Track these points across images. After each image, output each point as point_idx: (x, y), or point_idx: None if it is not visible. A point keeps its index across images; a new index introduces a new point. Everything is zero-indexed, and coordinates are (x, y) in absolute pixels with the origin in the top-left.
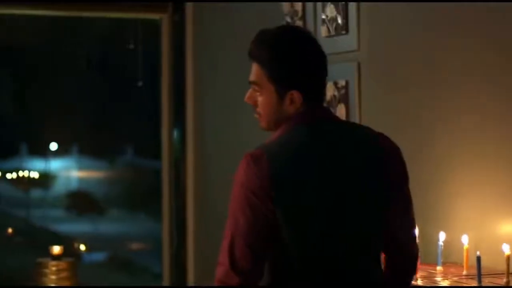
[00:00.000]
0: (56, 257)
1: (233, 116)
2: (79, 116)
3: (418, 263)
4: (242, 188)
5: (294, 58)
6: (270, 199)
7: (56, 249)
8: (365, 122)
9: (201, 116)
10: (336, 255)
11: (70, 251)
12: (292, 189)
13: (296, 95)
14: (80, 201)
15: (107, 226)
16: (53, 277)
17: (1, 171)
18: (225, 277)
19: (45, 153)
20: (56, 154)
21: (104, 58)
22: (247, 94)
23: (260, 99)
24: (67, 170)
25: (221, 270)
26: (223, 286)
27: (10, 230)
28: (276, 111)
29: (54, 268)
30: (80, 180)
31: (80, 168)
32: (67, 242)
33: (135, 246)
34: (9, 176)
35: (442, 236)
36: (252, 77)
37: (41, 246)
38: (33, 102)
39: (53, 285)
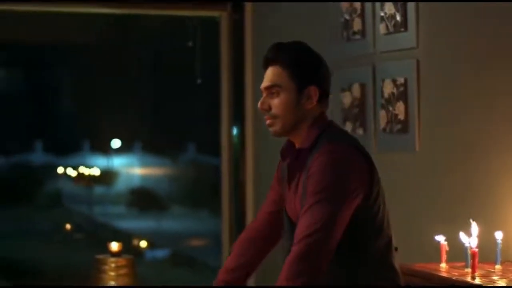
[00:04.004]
0: (116, 254)
1: None
2: (141, 114)
3: (476, 261)
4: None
5: (313, 57)
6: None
7: (114, 246)
8: (424, 120)
9: (260, 113)
10: None
11: (131, 248)
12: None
13: (313, 90)
14: (142, 198)
15: (169, 223)
16: (112, 273)
17: (64, 168)
18: None
19: (107, 150)
20: (118, 151)
21: (164, 56)
22: (261, 100)
23: (277, 100)
24: (129, 167)
25: None
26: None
27: (69, 226)
28: (294, 109)
29: (113, 265)
30: (142, 177)
31: (142, 165)
32: (129, 238)
33: (196, 242)
34: (71, 173)
35: (500, 235)
36: (270, 81)
37: (103, 243)
38: (96, 100)
39: (112, 282)
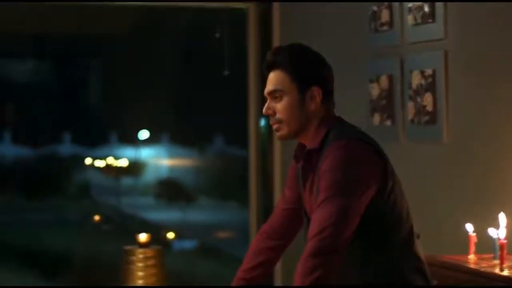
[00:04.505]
0: (144, 245)
1: None
2: (169, 105)
3: (504, 253)
4: None
5: (312, 57)
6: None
7: (143, 237)
8: (451, 111)
9: None
10: None
11: (159, 239)
12: None
13: (316, 90)
14: (170, 189)
15: (196, 214)
16: (140, 264)
17: (92, 159)
18: None
19: (135, 141)
20: (146, 142)
21: (192, 47)
22: (265, 106)
23: (280, 104)
24: (157, 159)
25: None
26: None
27: (97, 217)
28: (299, 111)
29: (141, 256)
30: (170, 168)
31: (170, 156)
32: (156, 230)
33: (224, 234)
34: (100, 164)
35: None
36: (272, 86)
37: (130, 234)
38: (123, 91)
39: (140, 272)
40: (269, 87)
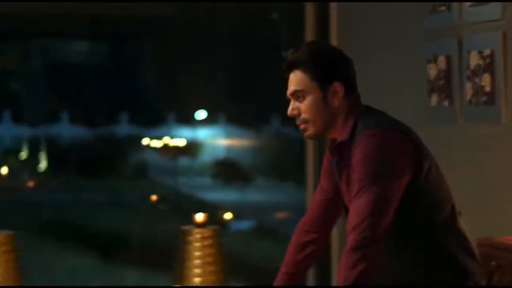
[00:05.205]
0: (201, 225)
1: (373, 91)
2: (226, 85)
3: None
4: None
5: (329, 53)
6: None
7: (200, 217)
8: (510, 92)
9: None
10: None
11: (216, 219)
12: None
13: (338, 86)
14: (227, 170)
15: (253, 195)
16: (197, 244)
17: (148, 140)
18: None
19: (192, 121)
20: (203, 122)
21: (249, 28)
22: (290, 107)
23: (304, 104)
24: (214, 139)
25: None
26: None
27: (154, 197)
28: (323, 109)
29: (198, 236)
30: (227, 148)
31: (227, 136)
32: (213, 210)
33: (280, 214)
34: (156, 144)
35: None
36: (293, 86)
37: (187, 214)
38: (181, 72)
39: (197, 252)
40: (290, 88)
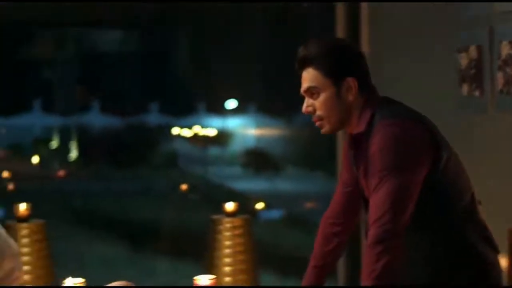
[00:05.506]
0: (231, 214)
1: (404, 82)
2: (257, 75)
3: None
4: None
5: (340, 48)
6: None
7: (230, 206)
8: None
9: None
10: None
11: (246, 209)
12: None
13: (351, 81)
14: (257, 159)
15: (283, 184)
16: (228, 233)
17: (179, 129)
18: None
19: (222, 111)
20: (233, 112)
21: (280, 18)
22: (304, 104)
23: (318, 101)
24: (244, 128)
25: None
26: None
27: (184, 186)
28: (337, 105)
29: (228, 225)
30: (257, 138)
31: (257, 126)
32: (243, 199)
33: (311, 204)
34: (187, 134)
35: None
36: (307, 84)
37: (217, 203)
38: (212, 61)
39: (227, 242)
40: (304, 85)
